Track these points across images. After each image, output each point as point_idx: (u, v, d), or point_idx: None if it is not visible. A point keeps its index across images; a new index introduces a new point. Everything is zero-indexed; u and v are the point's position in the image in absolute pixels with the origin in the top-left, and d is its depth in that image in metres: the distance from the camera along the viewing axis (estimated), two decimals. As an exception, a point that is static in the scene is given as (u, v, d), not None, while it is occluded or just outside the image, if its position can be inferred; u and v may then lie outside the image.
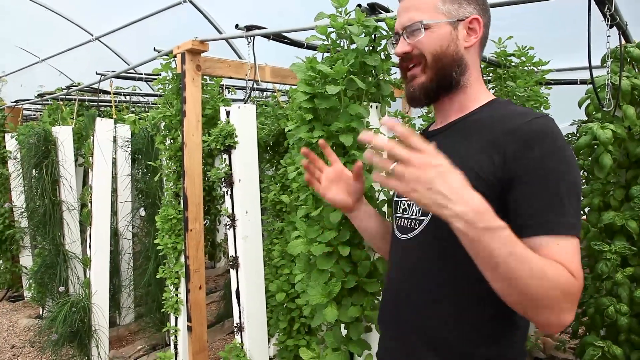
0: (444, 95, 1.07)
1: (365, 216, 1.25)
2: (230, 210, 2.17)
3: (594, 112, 2.04)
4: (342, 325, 1.53)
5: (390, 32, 1.54)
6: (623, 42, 1.89)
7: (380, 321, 1.16)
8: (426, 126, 1.26)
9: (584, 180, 2.27)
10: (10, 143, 4.50)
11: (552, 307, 0.78)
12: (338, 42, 1.52)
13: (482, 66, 2.77)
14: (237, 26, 2.14)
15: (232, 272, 2.18)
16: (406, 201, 1.09)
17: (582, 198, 0.91)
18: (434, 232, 1.00)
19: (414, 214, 1.05)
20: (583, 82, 2.98)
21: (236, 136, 2.13)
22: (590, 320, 1.99)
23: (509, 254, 0.76)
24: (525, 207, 0.86)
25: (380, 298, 1.54)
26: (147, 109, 4.66)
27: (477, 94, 1.07)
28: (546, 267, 0.78)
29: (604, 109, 1.89)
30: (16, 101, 4.86)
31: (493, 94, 2.86)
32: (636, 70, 2.03)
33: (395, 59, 1.62)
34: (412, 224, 1.05)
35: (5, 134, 4.64)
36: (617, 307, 1.86)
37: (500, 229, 0.77)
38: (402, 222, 1.09)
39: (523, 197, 0.86)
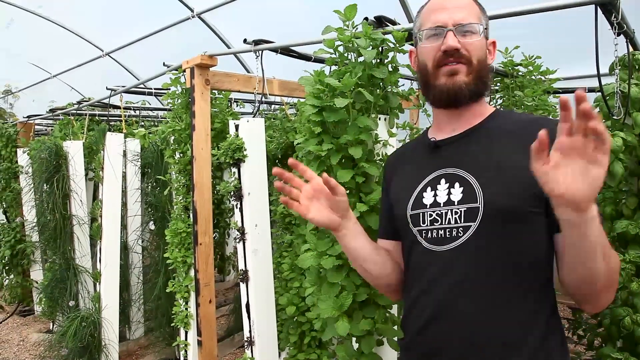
0: (473, 101, 1.08)
1: (355, 235, 1.14)
2: (239, 224, 2.17)
3: (603, 120, 2.03)
4: (354, 339, 1.51)
5: (397, 45, 1.55)
6: (631, 49, 1.89)
7: (417, 343, 1.09)
8: (422, 134, 1.25)
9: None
10: (22, 158, 4.56)
11: (614, 286, 0.89)
12: (346, 55, 1.53)
13: (490, 76, 2.78)
14: (245, 40, 2.16)
15: (242, 286, 2.18)
16: (433, 211, 1.05)
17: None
18: (489, 236, 0.97)
19: (454, 221, 1.01)
20: (591, 90, 2.95)
21: (245, 150, 2.14)
22: (606, 331, 1.95)
23: (605, 237, 0.83)
24: None
25: (391, 311, 1.53)
26: (156, 123, 4.70)
27: (486, 105, 1.12)
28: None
29: (614, 117, 1.88)
30: (28, 116, 4.94)
31: (501, 104, 2.87)
32: (645, 77, 2.02)
33: (402, 72, 1.63)
34: (454, 233, 1.01)
35: (18, 149, 4.71)
36: (634, 317, 1.83)
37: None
38: (435, 234, 1.04)
39: None
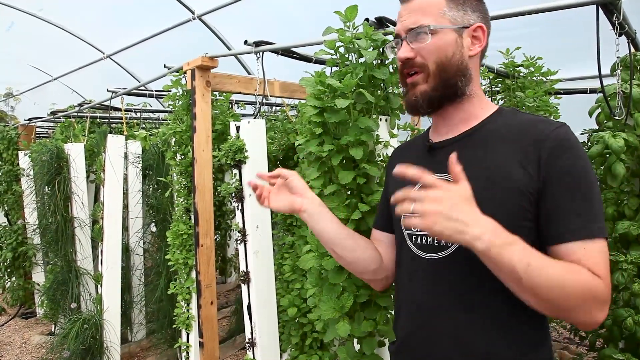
0: (449, 104, 1.04)
1: (320, 217, 1.14)
2: (240, 225, 2.17)
3: (605, 121, 2.02)
4: (355, 340, 1.51)
5: (398, 46, 1.55)
6: (632, 50, 1.89)
7: (404, 350, 1.09)
8: (425, 132, 1.20)
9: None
10: (24, 160, 4.57)
11: (578, 309, 0.83)
12: (346, 56, 1.53)
13: (491, 77, 2.78)
14: (246, 42, 2.16)
15: (244, 287, 2.18)
16: None
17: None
18: None
19: None
20: (593, 91, 2.96)
21: (246, 151, 2.14)
22: (608, 332, 1.95)
23: (528, 265, 0.80)
24: (556, 215, 0.89)
25: (392, 312, 1.52)
26: (157, 125, 4.71)
27: (482, 102, 1.06)
28: (564, 273, 0.82)
29: (615, 117, 1.87)
30: (29, 119, 4.95)
31: (502, 105, 2.87)
32: (647, 78, 2.02)
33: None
34: (442, 242, 1.00)
35: (19, 152, 4.72)
36: (636, 318, 1.82)
37: (516, 242, 0.81)
38: (424, 241, 1.04)
39: (554, 205, 0.90)
